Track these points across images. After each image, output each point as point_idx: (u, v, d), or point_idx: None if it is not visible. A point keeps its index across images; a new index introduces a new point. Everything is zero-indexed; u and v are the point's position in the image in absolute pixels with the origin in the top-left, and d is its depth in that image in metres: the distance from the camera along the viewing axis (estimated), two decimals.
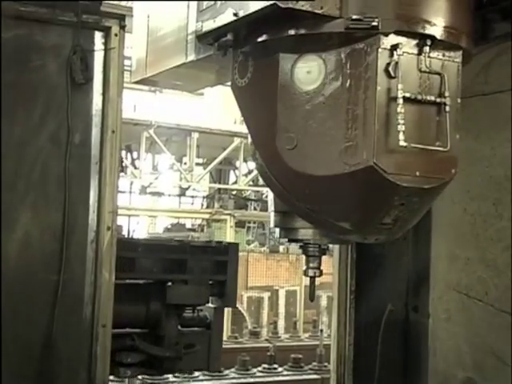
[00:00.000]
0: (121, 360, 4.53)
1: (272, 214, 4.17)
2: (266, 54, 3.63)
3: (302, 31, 3.45)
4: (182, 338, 4.75)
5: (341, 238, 4.05)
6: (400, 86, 3.34)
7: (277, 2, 3.23)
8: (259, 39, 3.61)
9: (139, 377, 6.25)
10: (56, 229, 3.88)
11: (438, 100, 3.49)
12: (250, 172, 22.46)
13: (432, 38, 3.45)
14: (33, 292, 3.87)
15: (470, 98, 4.31)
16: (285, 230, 4.15)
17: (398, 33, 3.39)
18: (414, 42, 3.45)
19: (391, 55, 3.38)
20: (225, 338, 9.15)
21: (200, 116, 19.35)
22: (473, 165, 4.61)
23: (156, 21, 4.51)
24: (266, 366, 8.60)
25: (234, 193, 22.59)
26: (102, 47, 4.02)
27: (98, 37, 4.03)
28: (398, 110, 3.32)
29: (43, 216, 3.88)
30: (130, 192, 22.55)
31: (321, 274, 4.16)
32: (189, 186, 23.05)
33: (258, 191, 22.77)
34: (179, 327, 4.77)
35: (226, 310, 5.15)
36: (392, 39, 3.39)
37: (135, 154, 22.72)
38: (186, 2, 4.04)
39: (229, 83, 3.97)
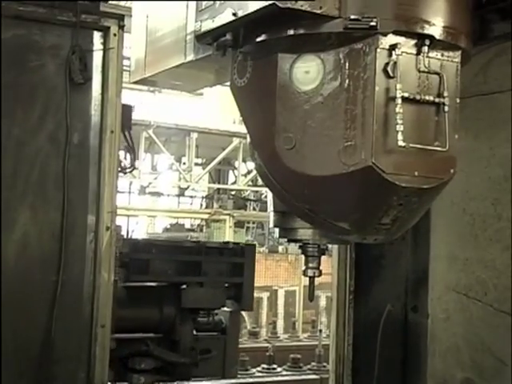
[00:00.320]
0: (134, 366, 4.43)
1: (271, 214, 4.16)
2: (265, 53, 3.62)
3: (301, 31, 3.45)
4: (198, 343, 4.63)
5: (340, 238, 4.03)
6: (399, 86, 3.33)
7: (276, 2, 3.23)
8: (258, 39, 3.60)
9: None
10: (55, 229, 3.87)
11: (437, 100, 3.49)
12: (249, 172, 22.44)
13: (431, 37, 3.45)
14: (32, 292, 3.86)
15: (468, 98, 4.31)
16: (284, 229, 4.15)
17: (396, 33, 3.39)
18: (413, 41, 3.45)
19: (390, 55, 3.38)
20: None
21: (199, 116, 19.35)
22: (472, 165, 4.60)
23: (155, 21, 4.51)
24: (264, 366, 8.63)
25: (233, 193, 22.59)
26: (101, 47, 4.02)
27: (97, 37, 4.02)
28: (397, 109, 3.31)
29: (42, 216, 3.87)
30: (129, 192, 22.53)
31: (320, 274, 4.16)
32: (188, 186, 23.03)
33: (257, 191, 22.78)
34: (194, 332, 4.65)
35: None
36: (391, 39, 3.38)
37: None
38: (185, 2, 4.04)
39: (228, 83, 3.97)
